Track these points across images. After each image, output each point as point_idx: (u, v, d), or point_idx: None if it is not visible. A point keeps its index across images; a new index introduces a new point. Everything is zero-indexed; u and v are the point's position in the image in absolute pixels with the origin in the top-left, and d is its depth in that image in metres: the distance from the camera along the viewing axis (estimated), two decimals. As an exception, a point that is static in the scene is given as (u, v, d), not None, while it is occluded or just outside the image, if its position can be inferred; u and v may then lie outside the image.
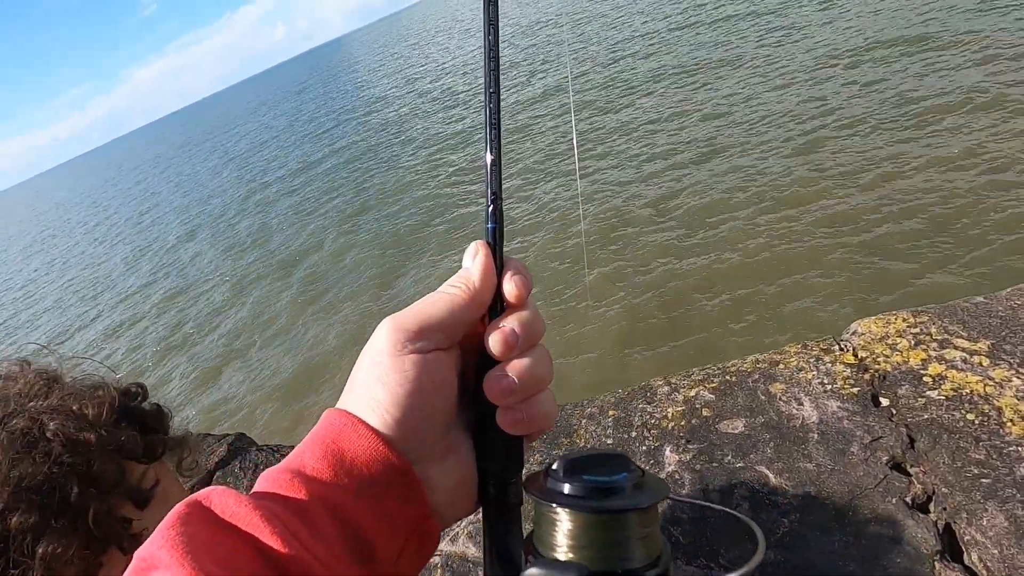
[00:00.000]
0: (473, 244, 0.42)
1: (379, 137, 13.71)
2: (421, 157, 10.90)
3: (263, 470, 1.47)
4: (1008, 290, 1.42)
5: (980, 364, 1.25)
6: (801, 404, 1.37)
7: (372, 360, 0.38)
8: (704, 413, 1.46)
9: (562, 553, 0.34)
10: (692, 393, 1.53)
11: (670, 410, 1.51)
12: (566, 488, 0.34)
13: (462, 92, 14.82)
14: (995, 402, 1.17)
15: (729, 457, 1.32)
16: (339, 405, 0.40)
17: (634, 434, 1.49)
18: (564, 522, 0.33)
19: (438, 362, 0.39)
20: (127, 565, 0.33)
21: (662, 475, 1.34)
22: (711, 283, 4.52)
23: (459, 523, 1.46)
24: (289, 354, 6.50)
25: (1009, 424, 1.12)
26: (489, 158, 0.41)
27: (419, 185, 9.54)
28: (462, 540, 1.41)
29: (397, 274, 7.14)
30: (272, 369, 6.38)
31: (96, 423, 0.72)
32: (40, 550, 0.61)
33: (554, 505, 0.34)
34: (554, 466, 0.37)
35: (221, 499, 0.34)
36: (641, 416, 1.53)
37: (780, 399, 1.40)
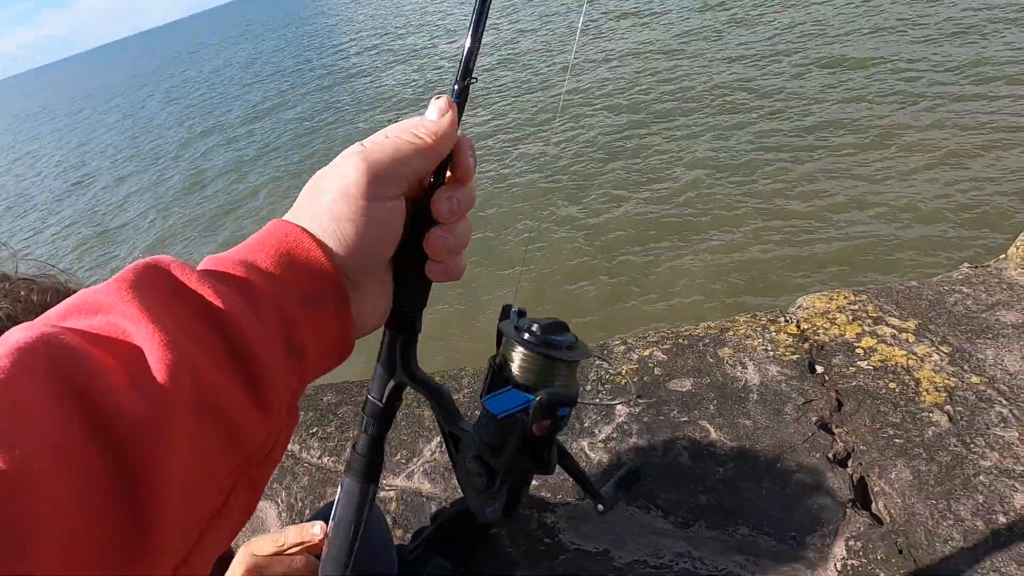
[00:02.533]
0: (443, 98, 0.44)
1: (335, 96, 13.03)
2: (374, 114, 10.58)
3: None
4: (938, 277, 1.54)
5: (907, 340, 1.37)
6: (745, 367, 1.46)
7: (345, 194, 0.40)
8: (656, 372, 1.54)
9: (514, 369, 0.48)
10: (646, 353, 1.61)
11: (624, 368, 1.59)
12: (526, 336, 0.47)
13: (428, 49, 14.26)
14: (915, 374, 1.29)
15: (675, 412, 1.41)
16: (296, 220, 0.41)
17: (589, 388, 1.56)
18: (519, 354, 0.47)
19: (399, 210, 0.42)
20: None
21: (612, 426, 1.43)
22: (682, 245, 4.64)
23: (415, 461, 1.51)
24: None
25: (924, 393, 1.24)
26: (469, 44, 0.44)
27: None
28: (417, 477, 1.47)
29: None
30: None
31: (43, 306, 0.75)
32: None
33: (517, 344, 0.47)
34: (526, 323, 0.48)
35: (176, 267, 0.35)
36: (596, 371, 1.60)
37: (727, 362, 1.50)
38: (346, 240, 0.40)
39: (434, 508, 1.38)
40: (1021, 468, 1.06)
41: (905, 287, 1.55)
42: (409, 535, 1.31)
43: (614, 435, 1.40)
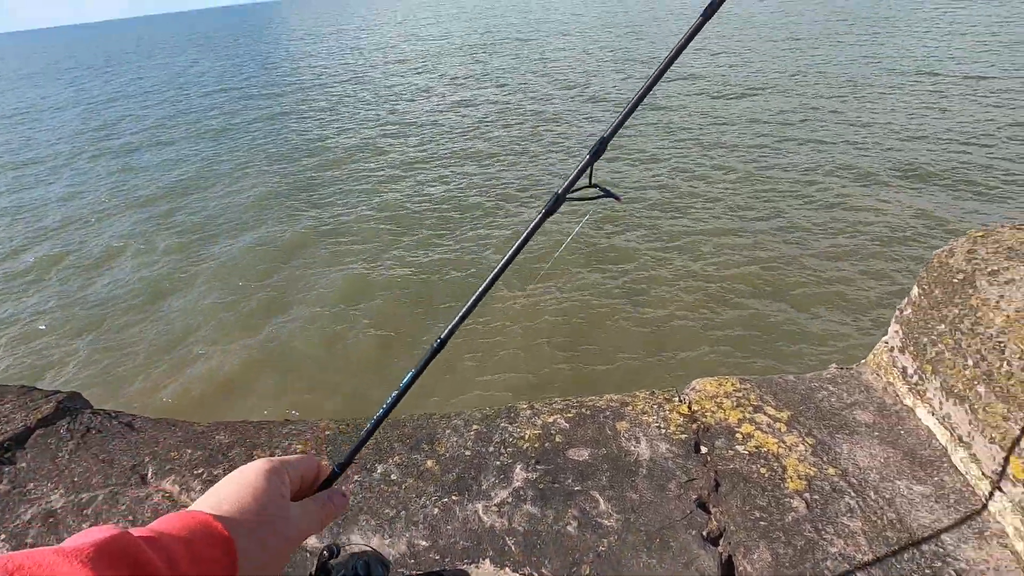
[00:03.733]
0: (318, 465, 0.66)
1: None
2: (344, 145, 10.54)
3: (95, 435, 1.41)
4: (811, 374, 1.73)
5: (780, 429, 1.51)
6: (639, 442, 1.55)
7: (272, 501, 0.56)
8: (557, 439, 1.60)
9: None
10: (551, 419, 1.67)
11: (528, 432, 1.64)
12: None
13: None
14: (783, 461, 1.42)
15: (570, 480, 1.46)
16: (216, 512, 0.52)
17: (492, 449, 1.59)
18: None
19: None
20: None
21: (508, 491, 1.45)
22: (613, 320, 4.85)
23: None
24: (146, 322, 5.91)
25: (788, 480, 1.37)
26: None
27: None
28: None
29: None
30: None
31: None
32: None
33: None
34: None
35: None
36: (501, 434, 1.64)
37: (623, 435, 1.58)
38: (256, 538, 0.54)
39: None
40: (860, 556, 1.19)
41: (784, 380, 1.71)
42: (286, 592, 1.25)
43: (509, 499, 1.43)
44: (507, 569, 1.27)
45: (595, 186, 0.78)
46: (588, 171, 0.76)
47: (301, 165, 9.60)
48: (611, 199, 0.79)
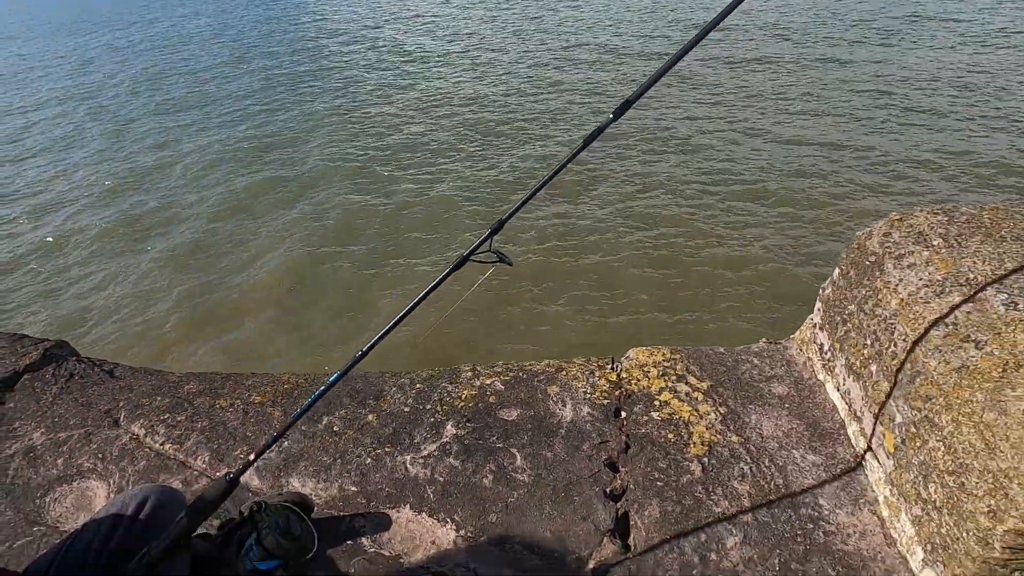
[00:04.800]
0: None
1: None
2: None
3: (78, 381, 1.57)
4: (740, 347, 1.79)
5: (696, 398, 1.60)
6: (564, 405, 1.65)
7: None
8: (491, 399, 1.71)
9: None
10: (488, 382, 1.78)
11: (465, 392, 1.75)
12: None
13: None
14: (691, 428, 1.51)
15: (495, 438, 1.57)
16: None
17: (429, 407, 1.71)
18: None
19: None
20: None
21: (434, 446, 1.57)
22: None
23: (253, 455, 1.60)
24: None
25: (692, 445, 1.46)
26: None
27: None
28: (249, 472, 1.56)
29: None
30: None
31: None
32: None
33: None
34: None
35: None
36: (440, 393, 1.75)
37: (552, 399, 1.68)
38: None
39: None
40: (742, 516, 1.29)
41: (713, 352, 1.79)
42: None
43: (435, 452, 1.55)
44: (423, 514, 1.40)
45: (494, 252, 1.06)
46: (489, 242, 1.05)
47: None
48: (506, 264, 1.07)
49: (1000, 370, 1.01)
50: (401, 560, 1.31)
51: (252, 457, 1.10)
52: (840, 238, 5.26)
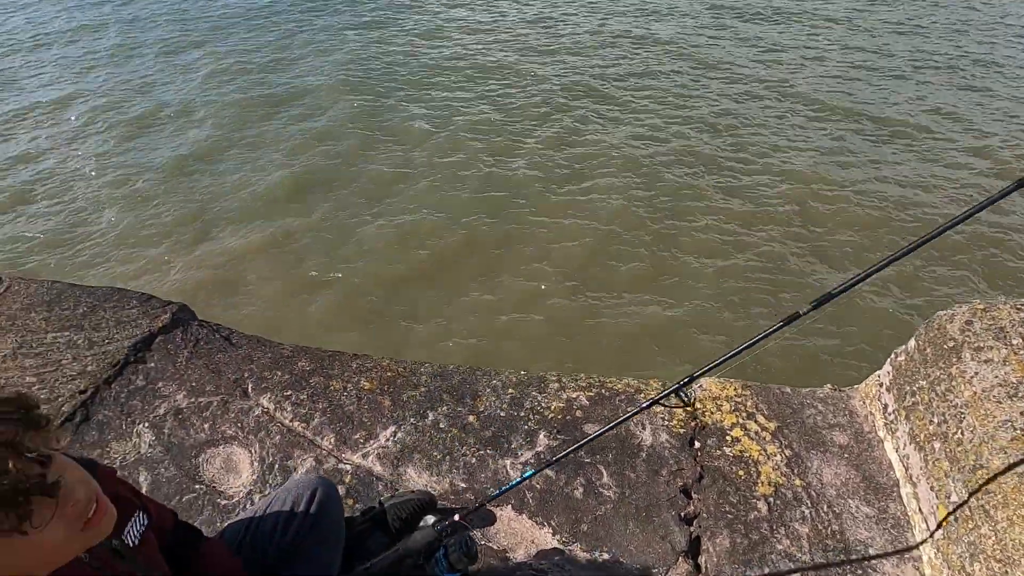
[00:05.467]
0: None
1: None
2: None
3: (204, 346, 1.87)
4: (806, 390, 1.97)
5: (764, 438, 1.80)
6: (644, 429, 1.87)
7: None
8: (577, 414, 1.93)
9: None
10: (574, 395, 2.00)
11: (554, 404, 1.97)
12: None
13: None
14: (760, 467, 1.72)
15: (583, 452, 1.81)
16: None
17: (522, 414, 1.94)
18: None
19: None
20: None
21: (530, 453, 1.81)
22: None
23: (371, 443, 1.86)
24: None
25: (759, 484, 1.68)
26: None
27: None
28: (371, 458, 1.82)
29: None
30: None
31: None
32: None
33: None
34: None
35: None
36: (531, 402, 1.98)
37: (633, 420, 1.90)
38: None
39: (381, 488, 1.74)
40: (800, 555, 1.52)
41: (780, 392, 1.97)
42: (359, 506, 1.67)
43: (531, 460, 1.79)
44: (524, 515, 1.66)
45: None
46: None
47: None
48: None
49: (1059, 485, 1.18)
50: (507, 554, 1.57)
51: (456, 518, 1.40)
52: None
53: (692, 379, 1.35)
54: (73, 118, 7.85)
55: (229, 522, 1.42)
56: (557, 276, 5.03)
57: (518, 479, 1.48)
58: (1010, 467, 1.26)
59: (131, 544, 1.00)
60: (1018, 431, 1.31)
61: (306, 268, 5.36)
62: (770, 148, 6.55)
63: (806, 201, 5.77)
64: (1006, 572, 1.20)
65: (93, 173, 6.78)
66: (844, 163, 6.30)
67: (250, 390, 2.08)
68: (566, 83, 8.08)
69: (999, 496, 1.26)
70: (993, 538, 1.25)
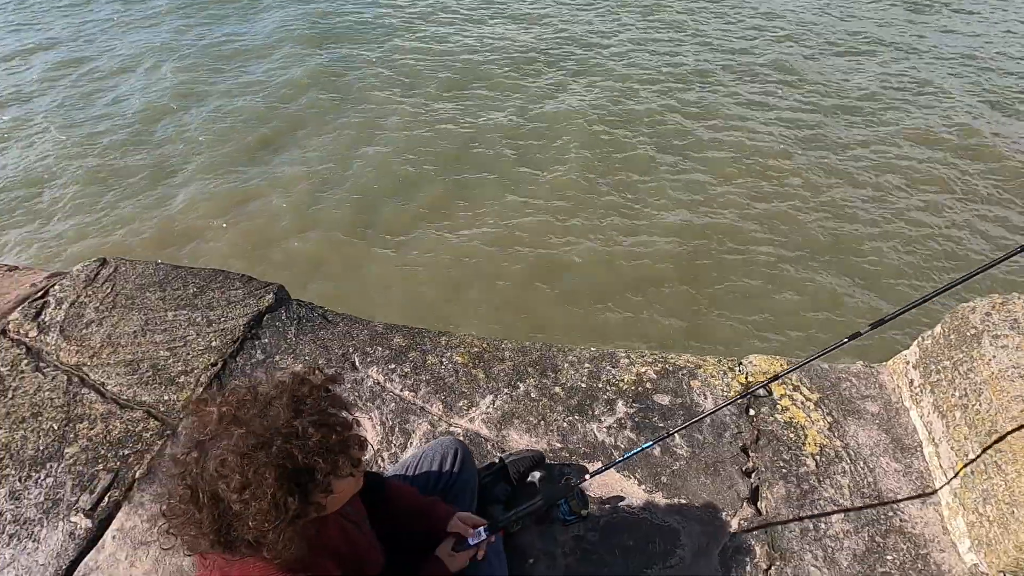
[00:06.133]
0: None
1: None
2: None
3: (306, 324, 2.25)
4: (841, 366, 2.31)
5: (808, 406, 2.14)
6: (706, 398, 2.20)
7: None
8: (647, 386, 2.26)
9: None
10: (643, 370, 2.32)
11: (626, 376, 2.29)
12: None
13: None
14: (806, 431, 2.06)
15: (656, 418, 2.14)
16: None
17: (600, 385, 2.26)
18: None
19: None
20: None
21: (612, 419, 2.14)
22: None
23: (474, 410, 2.18)
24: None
25: (807, 444, 2.02)
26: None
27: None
28: (477, 422, 2.14)
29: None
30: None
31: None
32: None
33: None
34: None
35: None
36: (607, 375, 2.30)
37: (695, 391, 2.23)
38: None
39: (489, 447, 2.06)
40: (842, 500, 1.87)
41: (820, 367, 2.30)
42: (475, 462, 2.00)
43: (614, 425, 2.12)
44: (612, 470, 2.00)
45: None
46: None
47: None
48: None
49: (1058, 446, 1.53)
50: (604, 502, 1.92)
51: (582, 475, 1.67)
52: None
53: (769, 381, 1.68)
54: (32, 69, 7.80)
55: (389, 472, 1.75)
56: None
57: (640, 447, 1.78)
58: (1020, 430, 1.60)
59: None
60: (1027, 404, 1.64)
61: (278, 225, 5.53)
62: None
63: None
64: (1012, 511, 1.55)
65: (54, 129, 6.80)
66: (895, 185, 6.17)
67: (357, 363, 2.38)
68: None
69: (1009, 454, 1.60)
70: (1004, 486, 1.60)
